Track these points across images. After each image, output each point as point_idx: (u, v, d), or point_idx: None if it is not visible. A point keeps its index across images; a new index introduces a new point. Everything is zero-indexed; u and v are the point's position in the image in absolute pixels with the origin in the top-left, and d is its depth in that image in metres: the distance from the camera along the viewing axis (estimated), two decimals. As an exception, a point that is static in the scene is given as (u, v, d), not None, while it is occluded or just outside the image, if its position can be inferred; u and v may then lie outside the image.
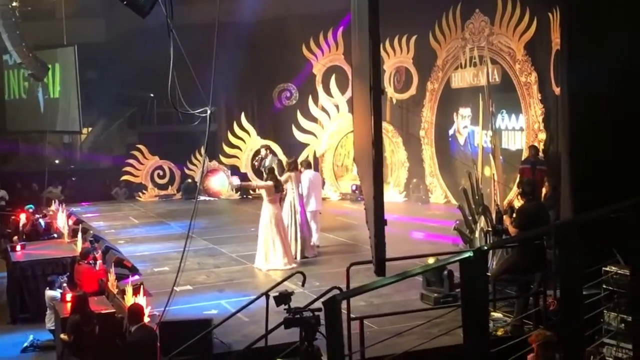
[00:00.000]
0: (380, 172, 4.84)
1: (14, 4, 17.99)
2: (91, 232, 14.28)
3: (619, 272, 7.05)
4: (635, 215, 5.91)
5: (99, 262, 11.26)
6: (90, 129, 24.65)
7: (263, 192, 12.24)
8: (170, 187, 22.74)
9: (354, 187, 20.17)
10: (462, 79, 17.60)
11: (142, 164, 22.67)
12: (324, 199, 15.90)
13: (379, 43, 4.51)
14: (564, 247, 5.68)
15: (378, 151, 4.69)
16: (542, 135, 15.02)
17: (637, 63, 8.72)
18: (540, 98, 15.16)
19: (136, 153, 22.69)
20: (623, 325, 7.00)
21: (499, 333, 7.86)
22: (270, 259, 11.83)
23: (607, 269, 7.22)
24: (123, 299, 9.08)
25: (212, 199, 21.61)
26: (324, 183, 18.91)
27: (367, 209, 6.62)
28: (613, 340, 7.02)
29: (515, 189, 13.68)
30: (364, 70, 5.69)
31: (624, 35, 8.70)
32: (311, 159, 18.73)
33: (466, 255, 4.35)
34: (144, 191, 22.57)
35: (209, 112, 8.21)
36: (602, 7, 8.94)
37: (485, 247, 4.64)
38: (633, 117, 8.80)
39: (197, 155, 22.19)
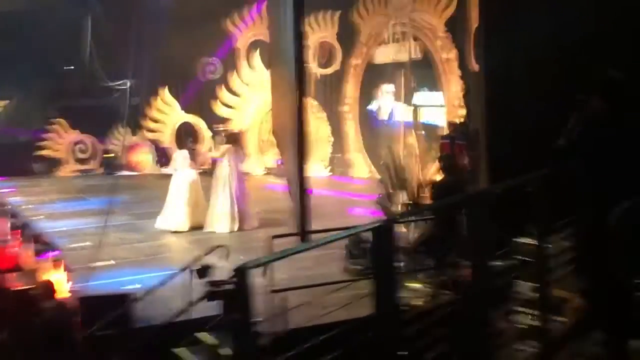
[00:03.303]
0: (303, 144, 4.89)
1: None
2: (9, 207, 13.94)
3: (527, 242, 7.32)
4: (538, 188, 6.17)
5: (14, 238, 11.04)
6: (7, 102, 23.89)
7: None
8: (92, 162, 22.31)
9: (279, 162, 20.21)
10: (385, 54, 17.78)
11: (62, 137, 22.16)
12: (247, 173, 15.92)
13: (302, 16, 4.54)
14: (474, 218, 5.88)
15: (301, 123, 4.73)
16: (462, 111, 15.33)
17: (553, 42, 8.99)
18: (460, 75, 15.47)
19: (56, 127, 22.15)
20: (532, 293, 7.28)
21: (417, 303, 8.05)
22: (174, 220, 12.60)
23: (518, 240, 7.49)
24: (40, 275, 8.94)
25: (134, 173, 21.31)
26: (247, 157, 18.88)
27: (290, 182, 6.68)
28: (523, 308, 7.30)
29: (436, 164, 13.97)
30: (283, 44, 5.73)
31: (540, 14, 8.95)
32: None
33: (376, 225, 4.48)
34: (64, 165, 22.08)
35: (128, 85, 8.12)
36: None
37: (395, 218, 4.76)
38: (548, 95, 9.09)
39: (120, 129, 21.81)
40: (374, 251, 4.55)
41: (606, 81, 5.73)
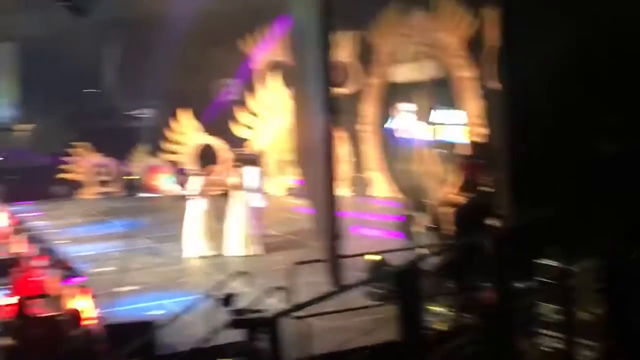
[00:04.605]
0: (333, 165, 4.83)
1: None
2: (32, 232, 14.08)
3: (552, 265, 7.30)
4: (566, 214, 6.14)
5: (39, 263, 11.14)
6: (28, 126, 24.18)
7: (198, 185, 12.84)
8: (113, 184, 22.49)
9: (297, 182, 20.26)
10: (403, 74, 17.79)
11: (83, 161, 22.37)
12: (267, 194, 15.96)
13: (329, 35, 4.54)
14: (498, 245, 5.88)
15: (330, 144, 4.68)
16: (481, 130, 15.28)
17: (574, 60, 8.97)
18: (480, 93, 15.45)
19: (77, 150, 22.37)
20: (557, 315, 7.25)
21: (440, 327, 8.04)
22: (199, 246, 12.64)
23: (541, 262, 7.47)
24: (65, 301, 9.01)
25: (154, 195, 21.43)
26: (266, 178, 18.95)
27: (316, 204, 6.64)
28: (548, 330, 7.27)
29: (454, 184, 13.94)
30: (307, 63, 5.74)
31: (561, 32, 8.94)
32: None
33: (400, 268, 4.51)
34: (85, 189, 22.27)
35: (148, 110, 8.20)
36: (539, 2, 9.17)
37: (417, 260, 4.77)
38: (570, 113, 9.06)
39: (140, 152, 22.00)
40: (400, 291, 4.58)
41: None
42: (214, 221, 13.00)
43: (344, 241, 11.49)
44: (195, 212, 12.90)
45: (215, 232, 12.92)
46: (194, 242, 12.85)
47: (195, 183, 12.88)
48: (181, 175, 13.33)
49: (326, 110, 4.23)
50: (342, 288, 4.42)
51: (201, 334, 7.22)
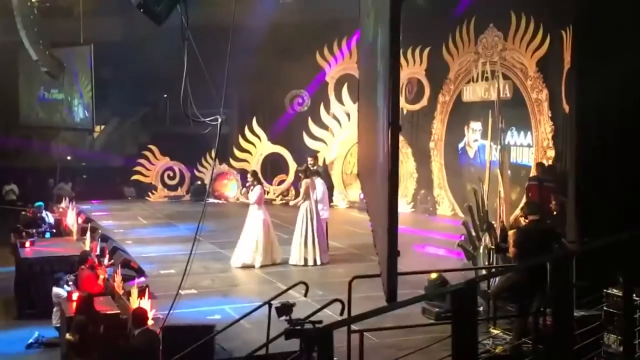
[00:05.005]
0: (396, 183, 4.79)
1: (33, 0, 18.11)
2: (99, 231, 14.44)
3: (616, 293, 7.11)
4: (637, 241, 5.96)
5: (105, 261, 11.42)
6: (103, 127, 24.84)
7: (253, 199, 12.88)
8: (179, 188, 22.92)
9: (362, 196, 20.25)
10: (473, 92, 17.67)
11: (153, 164, 22.86)
12: (332, 206, 16.05)
13: (398, 77, 4.54)
14: (560, 270, 5.76)
15: (393, 186, 4.63)
16: (551, 153, 15.07)
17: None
18: (550, 115, 15.22)
19: (147, 153, 22.88)
20: (622, 347, 7.05)
21: (497, 351, 7.93)
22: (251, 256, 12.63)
23: (608, 291, 7.28)
24: (128, 300, 9.20)
25: (220, 201, 21.74)
26: (332, 191, 19.03)
27: (375, 222, 6.62)
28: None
29: (521, 206, 13.74)
30: (373, 89, 5.76)
31: (635, 55, 8.76)
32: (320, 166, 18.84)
33: (458, 287, 4.46)
34: (153, 191, 22.73)
35: (219, 120, 8.29)
36: (613, 26, 8.99)
37: (476, 280, 4.71)
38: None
39: (208, 158, 22.35)
40: (455, 313, 4.53)
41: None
42: (271, 232, 12.99)
43: (405, 258, 11.46)
44: (253, 221, 12.91)
45: (269, 244, 12.87)
46: (243, 252, 12.83)
47: (256, 192, 12.86)
48: (247, 183, 13.35)
49: (391, 125, 4.20)
50: (398, 304, 4.39)
51: (257, 342, 7.28)
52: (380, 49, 5.36)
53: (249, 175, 13.51)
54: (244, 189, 13.64)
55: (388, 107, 4.35)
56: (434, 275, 9.27)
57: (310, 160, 14.13)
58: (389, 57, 4.54)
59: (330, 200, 15.26)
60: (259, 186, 12.95)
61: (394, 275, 4.33)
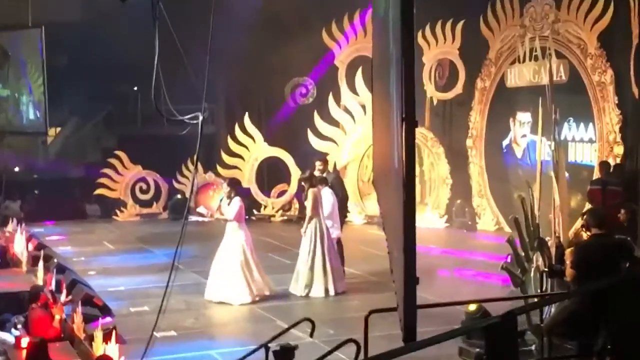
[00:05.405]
0: (412, 218, 4.77)
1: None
2: (55, 260, 14.46)
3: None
4: None
5: (62, 298, 11.44)
6: (58, 130, 24.92)
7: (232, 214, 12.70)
8: (154, 204, 22.98)
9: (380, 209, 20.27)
10: (519, 76, 17.69)
11: (121, 174, 22.91)
12: (346, 222, 16.01)
13: (412, 63, 4.52)
14: (631, 297, 5.76)
15: (409, 195, 4.63)
16: (618, 149, 15.05)
17: None
18: (616, 102, 15.21)
19: (114, 161, 22.92)
20: None
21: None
22: (230, 290, 12.41)
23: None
24: (91, 346, 9.22)
25: (206, 219, 21.75)
26: (346, 203, 19.03)
27: (390, 241, 6.61)
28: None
29: (582, 216, 13.71)
30: (386, 75, 5.76)
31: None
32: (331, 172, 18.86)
33: (491, 322, 4.46)
34: (122, 209, 22.80)
35: (201, 118, 8.30)
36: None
37: (516, 312, 4.69)
38: None
39: (189, 165, 22.36)
40: (489, 351, 4.52)
41: None
42: (254, 257, 12.79)
43: (436, 285, 11.46)
44: (231, 244, 12.75)
45: (250, 273, 12.64)
46: (218, 285, 12.65)
47: (234, 205, 12.66)
48: (222, 195, 13.28)
49: (405, 119, 4.14)
50: (418, 344, 4.36)
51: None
52: (392, 22, 5.35)
53: (224, 185, 13.26)
54: (219, 202, 13.37)
55: (401, 96, 4.34)
56: (472, 307, 9.27)
57: (318, 165, 14.08)
58: (400, 28, 4.50)
59: (345, 215, 15.21)
60: (237, 198, 12.77)
61: (412, 308, 4.33)
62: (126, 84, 23.02)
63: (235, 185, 13.29)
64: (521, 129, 17.78)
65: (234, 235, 12.70)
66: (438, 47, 19.69)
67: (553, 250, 10.36)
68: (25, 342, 9.66)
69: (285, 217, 21.82)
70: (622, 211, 12.22)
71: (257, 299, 12.54)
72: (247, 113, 22.29)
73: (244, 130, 22.31)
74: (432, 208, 19.96)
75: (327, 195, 13.39)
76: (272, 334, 8.01)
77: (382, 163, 7.10)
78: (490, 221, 18.76)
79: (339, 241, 13.59)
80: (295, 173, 21.36)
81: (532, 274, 10.40)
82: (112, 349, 8.83)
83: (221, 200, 13.11)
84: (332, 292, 12.81)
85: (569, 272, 8.23)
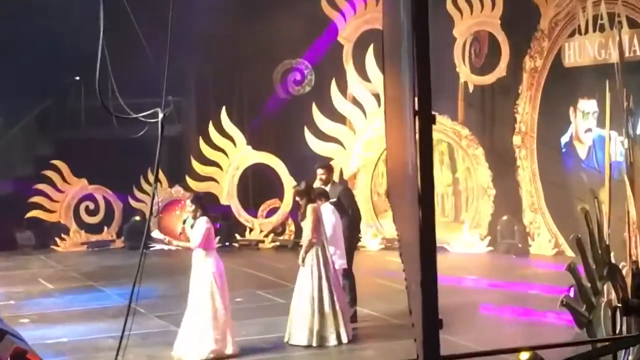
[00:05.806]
0: (431, 243, 4.74)
1: None
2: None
3: None
4: None
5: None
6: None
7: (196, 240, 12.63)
8: (106, 229, 23.03)
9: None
10: (581, 52, 17.76)
11: (60, 191, 22.96)
12: (358, 248, 16.02)
13: (426, 37, 4.44)
14: None
15: (427, 213, 4.59)
16: None
17: None
18: None
19: (51, 173, 22.97)
20: None
21: None
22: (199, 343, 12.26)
23: None
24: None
25: (171, 247, 21.79)
26: (358, 223, 19.07)
27: (410, 294, 6.61)
28: None
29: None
30: (397, 55, 5.75)
31: None
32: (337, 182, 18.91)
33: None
34: (63, 236, 22.82)
35: (161, 115, 8.31)
36: None
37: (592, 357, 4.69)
38: None
39: (149, 178, 22.38)
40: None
41: None
42: (226, 296, 12.65)
43: (477, 327, 11.46)
44: (198, 278, 12.67)
45: (226, 316, 12.55)
46: (187, 336, 12.53)
47: (199, 227, 12.55)
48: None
49: (418, 112, 4.07)
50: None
51: None
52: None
53: (188, 202, 13.22)
54: (182, 225, 13.24)
55: (413, 84, 4.30)
56: (525, 356, 9.27)
57: (321, 174, 14.11)
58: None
59: (357, 239, 15.18)
60: (204, 218, 12.73)
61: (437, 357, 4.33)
62: (66, 73, 23.01)
63: (201, 202, 13.16)
64: (584, 122, 17.82)
65: (202, 268, 12.63)
66: (473, 16, 19.77)
67: (629, 280, 10.38)
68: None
69: (278, 243, 21.84)
70: None
71: (211, 355, 12.31)
72: (224, 108, 22.33)
73: (220, 130, 22.37)
74: (471, 227, 19.96)
75: (328, 213, 13.41)
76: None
77: (397, 169, 7.07)
78: (546, 243, 18.78)
79: (345, 273, 13.62)
80: (289, 184, 21.37)
81: (601, 311, 10.42)
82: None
83: (184, 221, 12.98)
84: (344, 338, 12.80)
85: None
